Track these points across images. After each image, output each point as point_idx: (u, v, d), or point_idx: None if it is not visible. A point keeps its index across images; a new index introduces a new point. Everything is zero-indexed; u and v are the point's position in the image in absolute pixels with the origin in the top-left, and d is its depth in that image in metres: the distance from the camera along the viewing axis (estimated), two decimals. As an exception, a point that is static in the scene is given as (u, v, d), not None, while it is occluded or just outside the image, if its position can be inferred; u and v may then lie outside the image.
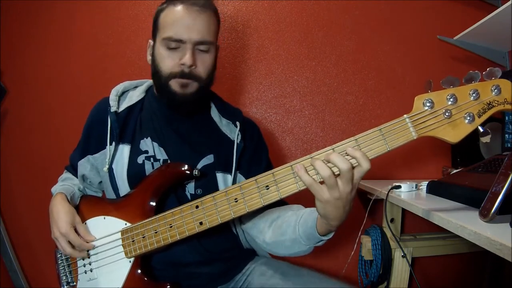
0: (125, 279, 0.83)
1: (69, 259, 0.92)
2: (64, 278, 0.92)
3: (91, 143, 0.95)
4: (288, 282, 0.86)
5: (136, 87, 1.01)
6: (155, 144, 0.91)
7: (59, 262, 0.93)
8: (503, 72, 0.64)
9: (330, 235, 0.75)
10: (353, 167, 0.62)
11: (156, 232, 0.80)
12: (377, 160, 0.65)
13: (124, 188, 0.89)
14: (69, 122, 1.44)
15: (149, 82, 1.02)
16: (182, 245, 0.84)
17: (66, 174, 1.04)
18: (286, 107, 1.51)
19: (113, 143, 0.90)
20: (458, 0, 1.52)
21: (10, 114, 1.46)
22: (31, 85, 1.46)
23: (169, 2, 0.87)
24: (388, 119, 0.66)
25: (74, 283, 0.90)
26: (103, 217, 0.88)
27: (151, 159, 0.89)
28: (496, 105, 0.64)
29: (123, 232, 0.84)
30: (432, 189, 0.98)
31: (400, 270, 1.24)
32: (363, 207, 1.45)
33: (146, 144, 0.91)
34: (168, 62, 0.86)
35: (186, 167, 0.85)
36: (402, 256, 1.23)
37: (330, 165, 0.63)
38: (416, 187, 1.08)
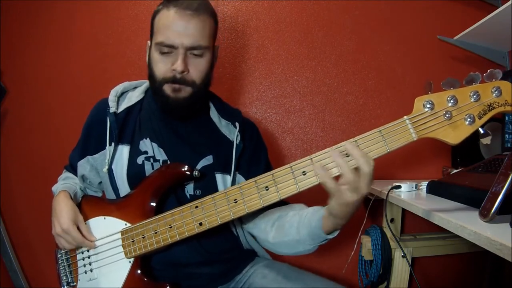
0: (125, 279, 0.83)
1: (70, 259, 0.92)
2: (64, 278, 0.92)
3: (91, 143, 0.95)
4: (289, 285, 0.86)
5: (135, 87, 1.01)
6: (155, 144, 0.91)
7: (60, 262, 0.93)
8: (503, 72, 0.64)
9: (336, 233, 0.75)
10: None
11: (156, 233, 0.80)
12: (377, 160, 0.65)
13: (124, 188, 0.90)
14: (69, 122, 1.44)
15: (148, 82, 1.01)
16: (182, 246, 0.84)
17: (67, 174, 1.04)
18: (286, 107, 1.51)
19: (113, 144, 0.90)
20: (458, 0, 1.52)
21: (10, 114, 1.46)
22: (31, 85, 1.46)
23: (164, 4, 0.86)
24: (388, 119, 0.66)
25: (75, 283, 0.90)
26: (103, 217, 0.88)
27: (151, 159, 0.89)
28: (497, 106, 0.64)
29: (123, 232, 0.84)
30: (432, 189, 0.98)
31: (400, 270, 1.24)
32: (363, 207, 1.45)
33: (146, 144, 0.91)
34: (161, 67, 0.86)
35: (186, 167, 0.85)
36: (402, 256, 1.23)
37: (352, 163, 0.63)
38: (416, 187, 1.08)
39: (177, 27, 0.82)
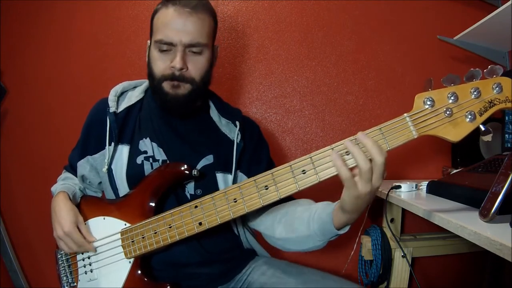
0: (125, 280, 0.83)
1: (70, 260, 0.92)
2: (64, 278, 0.92)
3: (90, 143, 0.95)
4: (289, 280, 0.85)
5: (135, 87, 1.01)
6: (154, 144, 0.91)
7: (60, 262, 0.93)
8: (504, 72, 0.64)
9: (347, 229, 0.73)
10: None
11: (155, 233, 0.80)
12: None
13: (123, 188, 0.89)
14: (69, 122, 1.44)
15: (148, 82, 1.02)
16: (181, 246, 0.84)
17: (66, 174, 1.04)
18: (286, 107, 1.51)
19: (112, 144, 0.90)
20: (458, 0, 1.52)
21: (10, 114, 1.46)
22: (31, 85, 1.46)
23: (163, 3, 0.87)
24: (388, 119, 0.66)
25: (75, 284, 0.90)
26: (102, 217, 0.88)
27: (150, 159, 0.89)
28: (498, 103, 0.64)
29: (122, 232, 0.84)
30: (432, 189, 0.98)
31: (400, 270, 1.24)
32: (363, 207, 1.45)
33: (145, 144, 0.91)
34: (160, 65, 0.86)
35: (185, 167, 0.85)
36: (402, 256, 1.23)
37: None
38: (416, 187, 1.08)
39: (176, 24, 0.83)
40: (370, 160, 0.62)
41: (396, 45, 1.52)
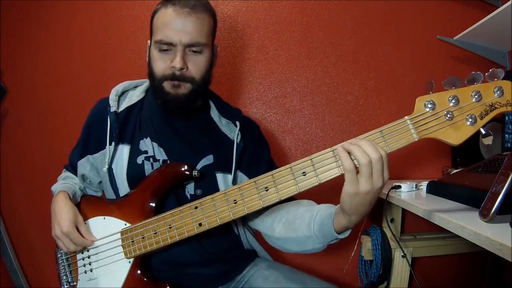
0: (125, 280, 0.83)
1: (70, 259, 0.92)
2: (64, 278, 0.92)
3: (91, 143, 0.95)
4: (291, 286, 0.85)
5: (136, 87, 1.01)
6: (155, 144, 0.91)
7: (60, 262, 0.93)
8: (505, 73, 0.64)
9: (347, 233, 0.73)
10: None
11: (155, 233, 0.80)
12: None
13: (123, 188, 0.89)
14: (69, 122, 1.44)
15: (148, 81, 1.02)
16: (181, 246, 0.84)
17: (66, 173, 1.04)
18: (286, 107, 1.51)
19: (113, 143, 0.90)
20: (458, 0, 1.52)
21: (10, 114, 1.46)
22: (31, 85, 1.46)
23: (162, 3, 0.87)
24: (388, 119, 0.66)
25: (75, 283, 0.90)
26: (103, 217, 0.88)
27: (151, 159, 0.89)
28: (499, 107, 0.64)
29: (122, 232, 0.84)
30: (432, 189, 0.98)
31: (400, 270, 1.24)
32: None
33: (146, 144, 0.91)
34: (160, 65, 0.87)
35: (185, 167, 0.85)
36: (402, 256, 1.23)
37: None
38: (416, 187, 1.08)
39: (175, 24, 0.83)
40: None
41: (396, 45, 1.52)
